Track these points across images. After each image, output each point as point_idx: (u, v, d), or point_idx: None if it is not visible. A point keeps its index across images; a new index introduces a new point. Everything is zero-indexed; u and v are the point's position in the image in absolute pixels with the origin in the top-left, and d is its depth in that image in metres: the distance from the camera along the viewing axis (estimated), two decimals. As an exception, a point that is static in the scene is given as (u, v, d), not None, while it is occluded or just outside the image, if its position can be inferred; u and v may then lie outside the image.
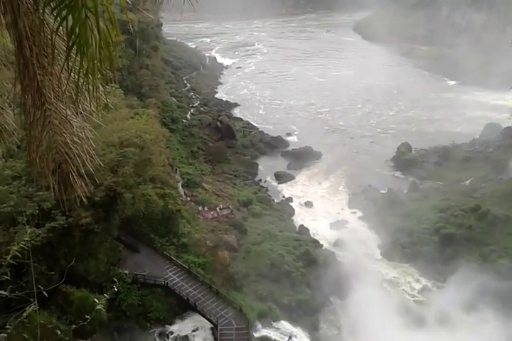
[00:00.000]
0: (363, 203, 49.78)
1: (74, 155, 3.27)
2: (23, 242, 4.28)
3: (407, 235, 44.52)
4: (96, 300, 3.93)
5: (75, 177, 3.34)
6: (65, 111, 3.24)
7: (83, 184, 3.40)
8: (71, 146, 3.27)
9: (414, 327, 32.17)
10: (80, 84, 2.91)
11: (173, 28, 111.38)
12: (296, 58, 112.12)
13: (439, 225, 44.89)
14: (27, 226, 19.18)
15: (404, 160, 60.50)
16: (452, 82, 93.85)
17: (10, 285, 4.27)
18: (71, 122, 3.28)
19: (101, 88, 3.10)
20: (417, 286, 38.13)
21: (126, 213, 31.50)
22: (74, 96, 3.11)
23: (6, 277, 4.00)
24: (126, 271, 28.35)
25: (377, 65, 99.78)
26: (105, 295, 4.01)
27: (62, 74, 3.10)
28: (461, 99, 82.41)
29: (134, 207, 31.73)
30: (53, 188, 3.36)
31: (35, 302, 4.08)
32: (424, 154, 62.55)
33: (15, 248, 4.21)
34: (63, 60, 3.02)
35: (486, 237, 42.63)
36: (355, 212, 50.09)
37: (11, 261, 4.12)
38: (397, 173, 59.62)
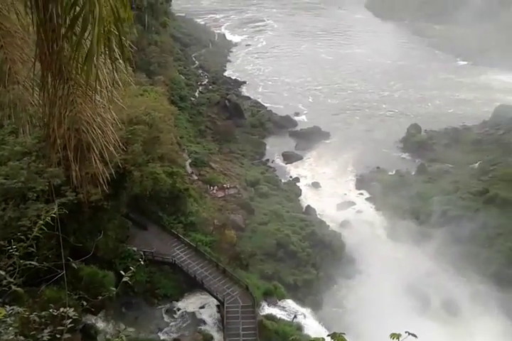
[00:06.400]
0: (371, 184, 49.61)
1: (97, 137, 3.18)
2: (49, 217, 4.41)
3: (414, 217, 44.52)
4: (122, 273, 3.97)
5: (96, 158, 3.28)
6: (88, 89, 3.08)
7: (100, 163, 3.33)
8: (94, 126, 3.15)
9: (419, 310, 32.36)
10: (88, 58, 2.75)
11: (182, 4, 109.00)
12: (308, 35, 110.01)
13: (447, 208, 44.79)
14: (55, 201, 19.43)
15: (414, 142, 59.92)
16: (464, 63, 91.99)
17: (36, 257, 4.35)
18: (95, 101, 3.13)
19: (109, 65, 2.93)
20: (424, 269, 38.25)
21: (134, 191, 31.64)
22: (85, 73, 2.90)
23: (32, 249, 4.08)
24: (135, 248, 28.61)
25: (389, 43, 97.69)
26: (131, 268, 4.15)
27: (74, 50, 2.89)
28: (472, 80, 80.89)
29: (142, 184, 31.82)
30: (72, 166, 3.30)
31: (64, 272, 4.18)
32: (433, 136, 61.84)
33: (41, 222, 4.32)
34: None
35: (494, 221, 42.48)
36: (362, 194, 49.99)
37: (38, 234, 4.21)
38: (406, 155, 59.18)
